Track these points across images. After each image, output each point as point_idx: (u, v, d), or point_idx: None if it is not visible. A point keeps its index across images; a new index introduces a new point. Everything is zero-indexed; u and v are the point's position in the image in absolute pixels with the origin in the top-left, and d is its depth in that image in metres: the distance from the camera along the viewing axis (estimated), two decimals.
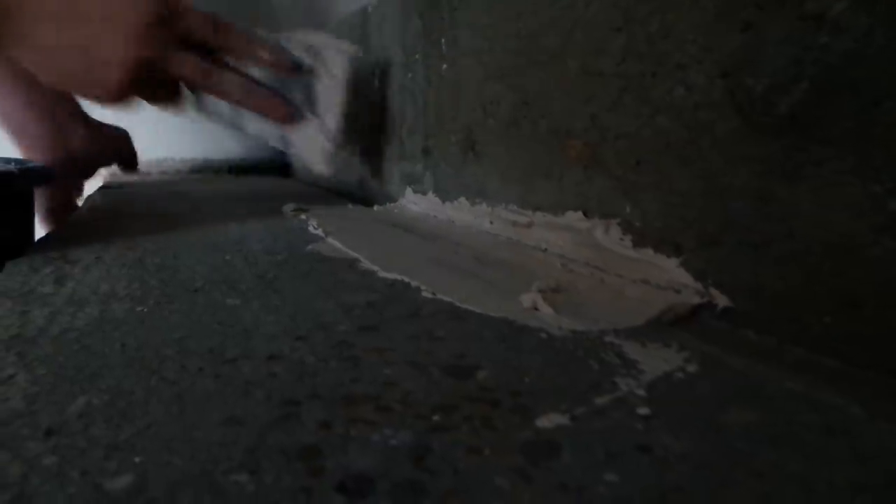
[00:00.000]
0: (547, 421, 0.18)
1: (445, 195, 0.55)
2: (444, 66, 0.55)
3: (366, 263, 0.37)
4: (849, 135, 0.23)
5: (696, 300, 0.28)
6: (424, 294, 0.30)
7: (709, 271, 0.29)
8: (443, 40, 0.55)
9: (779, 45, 0.25)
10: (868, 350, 0.23)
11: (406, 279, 0.33)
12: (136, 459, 0.15)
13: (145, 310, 0.28)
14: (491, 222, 0.47)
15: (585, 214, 0.38)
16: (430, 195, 0.58)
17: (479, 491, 0.14)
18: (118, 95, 0.42)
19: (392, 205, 0.63)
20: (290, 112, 0.52)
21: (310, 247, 0.42)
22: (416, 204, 0.60)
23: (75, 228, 0.49)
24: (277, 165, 1.13)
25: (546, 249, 0.40)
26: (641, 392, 0.19)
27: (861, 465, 0.16)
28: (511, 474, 0.15)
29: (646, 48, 0.32)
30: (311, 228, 0.49)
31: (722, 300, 0.28)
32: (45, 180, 0.45)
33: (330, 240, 0.44)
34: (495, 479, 0.15)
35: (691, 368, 0.21)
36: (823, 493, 0.14)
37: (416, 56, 0.60)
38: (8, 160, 0.50)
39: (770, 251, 0.26)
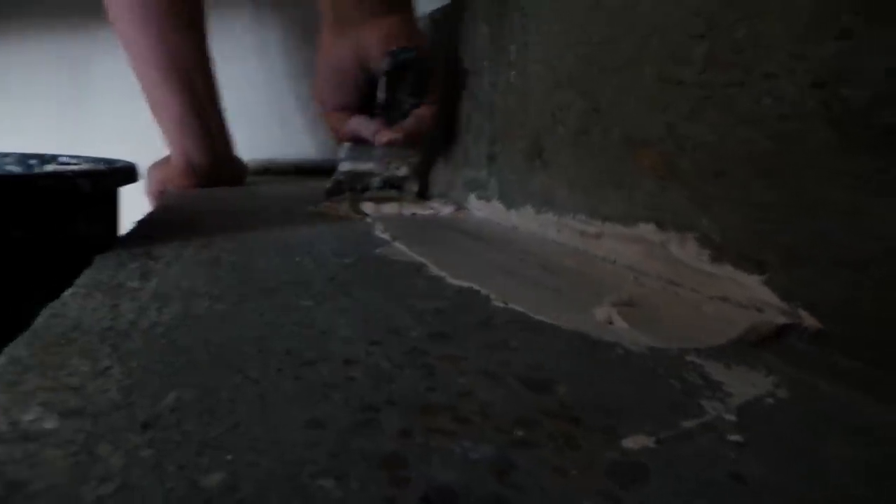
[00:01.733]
0: (632, 443, 0.17)
1: (510, 202, 0.55)
2: (513, 72, 0.55)
3: (433, 269, 0.37)
4: None
5: (782, 320, 0.27)
6: (495, 303, 0.30)
7: (797, 291, 0.28)
8: (512, 47, 0.55)
9: (879, 53, 0.24)
10: None
11: (475, 286, 0.33)
12: (227, 457, 0.16)
13: (225, 308, 0.28)
14: (557, 231, 0.46)
15: (659, 226, 0.37)
16: (495, 202, 0.57)
17: None
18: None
19: (452, 210, 0.64)
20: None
21: (377, 250, 0.42)
22: (479, 210, 0.60)
23: (155, 226, 0.51)
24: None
25: (615, 261, 0.40)
26: (731, 417, 0.19)
27: None
28: (599, 498, 0.14)
29: (731, 56, 0.31)
30: (377, 232, 0.50)
31: (811, 322, 0.27)
32: (131, 180, 0.47)
33: (396, 244, 0.45)
34: (583, 502, 0.14)
35: (782, 394, 0.20)
36: None
37: (484, 63, 0.60)
38: (98, 160, 0.53)
39: (868, 272, 0.25)
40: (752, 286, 0.30)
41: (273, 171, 1.14)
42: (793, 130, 0.28)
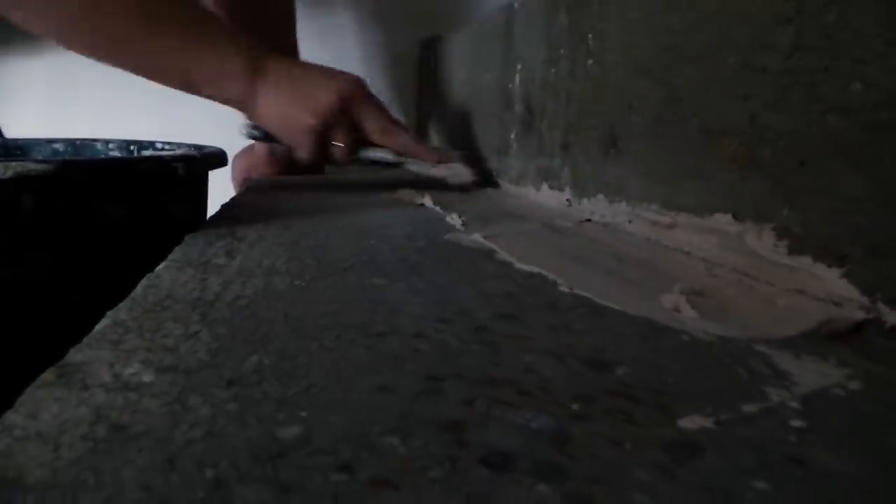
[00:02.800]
0: (690, 422, 0.17)
1: (583, 191, 0.54)
2: (590, 61, 0.54)
3: (502, 254, 0.38)
4: None
5: (860, 315, 0.26)
6: (562, 288, 0.31)
7: (880, 285, 0.27)
8: (590, 35, 0.54)
9: None
10: None
11: (543, 272, 0.33)
12: (302, 414, 0.17)
13: (302, 284, 0.30)
14: (630, 221, 0.46)
15: (735, 217, 0.36)
16: (567, 191, 0.57)
17: (619, 480, 0.14)
18: (305, 147, 0.61)
19: (522, 197, 0.64)
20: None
21: (447, 236, 0.43)
22: (550, 199, 0.60)
23: (240, 209, 0.54)
24: None
25: (689, 252, 0.39)
26: (795, 404, 0.18)
27: None
28: (653, 469, 0.15)
29: (819, 41, 0.30)
30: (448, 219, 0.51)
31: (892, 318, 0.26)
32: (220, 164, 0.50)
33: (467, 230, 0.45)
34: (636, 472, 0.15)
35: (853, 385, 0.20)
36: None
37: (561, 51, 0.59)
38: (190, 146, 0.57)
39: None
40: (831, 279, 0.29)
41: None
42: (885, 119, 0.27)
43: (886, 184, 0.27)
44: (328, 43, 0.93)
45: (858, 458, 0.16)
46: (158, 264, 0.33)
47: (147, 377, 0.19)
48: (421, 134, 1.13)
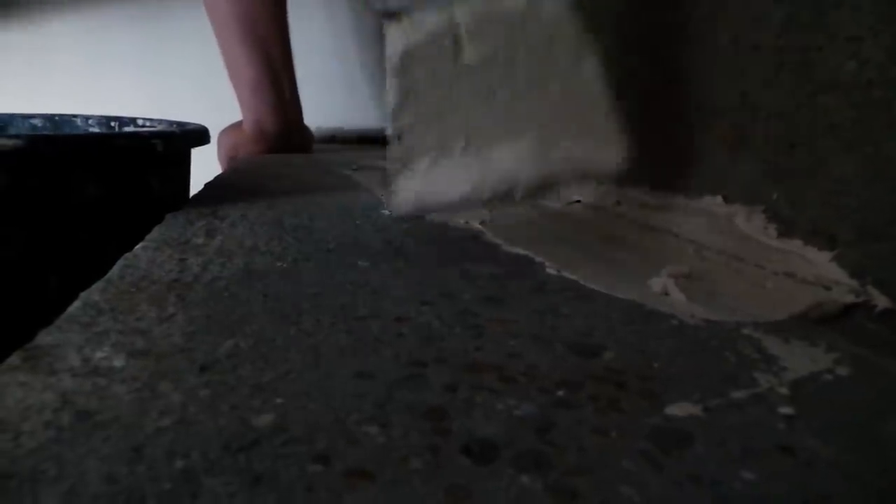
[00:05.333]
0: (678, 409, 0.17)
1: None
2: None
3: (489, 236, 0.37)
4: None
5: (850, 299, 0.26)
6: (549, 270, 0.30)
7: (869, 268, 0.26)
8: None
9: None
10: None
11: (530, 254, 0.33)
12: (278, 401, 0.16)
13: (284, 265, 0.29)
14: (618, 202, 0.45)
15: (725, 199, 0.35)
16: None
17: (604, 471, 0.14)
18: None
19: None
20: None
21: (435, 216, 0.43)
22: None
23: (223, 188, 0.53)
24: None
25: (677, 234, 0.38)
26: (783, 390, 0.18)
27: None
28: (639, 459, 0.14)
29: (812, 18, 0.29)
30: None
31: (882, 301, 0.25)
32: (202, 142, 0.49)
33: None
34: (622, 462, 0.14)
35: (842, 371, 0.20)
36: None
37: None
38: (172, 122, 0.55)
39: None
40: (821, 262, 0.28)
41: (339, 139, 1.16)
42: (878, 98, 0.26)
43: (877, 164, 0.26)
44: (301, 32, 0.91)
45: (846, 446, 0.15)
46: (136, 244, 0.32)
47: (118, 362, 0.18)
48: None
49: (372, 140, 1.16)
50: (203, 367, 0.18)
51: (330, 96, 1.16)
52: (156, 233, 0.35)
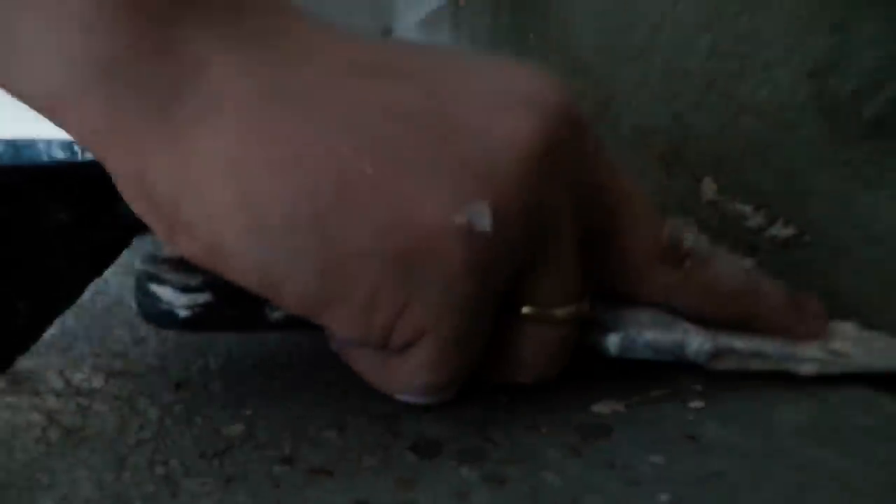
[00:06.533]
0: (603, 407, 0.19)
1: None
2: (533, 60, 0.56)
3: None
4: None
5: None
6: None
7: (786, 272, 0.29)
8: (531, 34, 0.56)
9: (867, 47, 0.25)
10: None
11: None
12: (247, 412, 0.18)
13: None
14: None
15: (664, 211, 0.38)
16: None
17: (532, 460, 0.16)
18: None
19: None
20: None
21: None
22: None
23: None
24: None
25: None
26: (698, 387, 0.20)
27: None
28: (563, 448, 0.17)
29: (731, 47, 0.32)
30: None
31: None
32: None
33: None
34: (548, 452, 0.16)
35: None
36: (858, 489, 0.15)
37: (505, 49, 0.61)
38: None
39: (851, 256, 0.26)
40: (748, 266, 0.31)
41: None
42: (789, 120, 0.29)
43: (789, 180, 0.29)
44: None
45: (744, 432, 0.18)
46: (106, 269, 0.34)
47: (97, 382, 0.20)
48: None
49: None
50: (178, 384, 0.20)
51: None
52: (124, 257, 0.37)
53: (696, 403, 0.19)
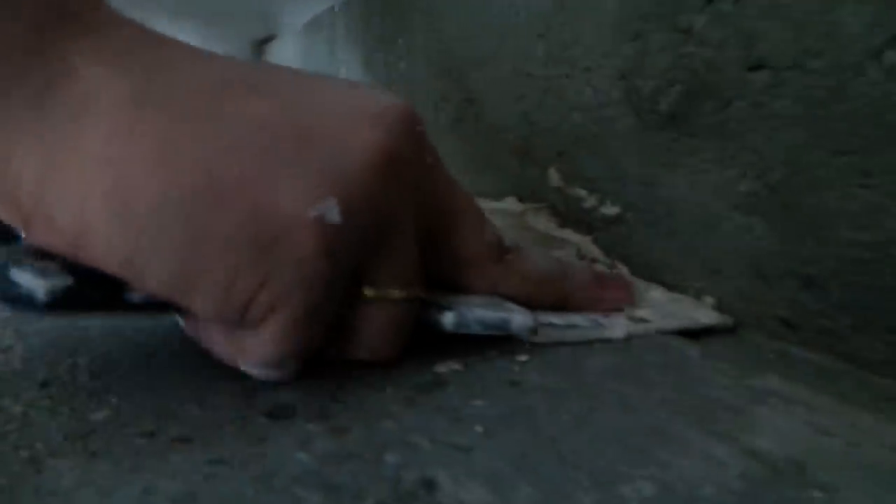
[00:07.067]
0: (444, 367, 0.22)
1: None
2: (402, 63, 0.59)
3: None
4: (711, 130, 0.28)
5: (604, 269, 0.33)
6: None
7: (614, 245, 0.34)
8: (400, 40, 0.59)
9: (659, 53, 0.30)
10: (726, 309, 0.28)
11: None
12: (113, 400, 0.20)
13: None
14: None
15: (520, 200, 0.42)
16: None
17: (374, 413, 0.19)
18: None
19: None
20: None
21: None
22: None
23: None
24: None
25: None
26: (527, 346, 0.24)
27: (677, 391, 0.20)
28: (402, 402, 0.19)
29: (560, 52, 0.37)
30: None
31: (624, 270, 0.33)
32: None
33: None
34: (389, 407, 0.19)
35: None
36: (635, 407, 0.19)
37: (377, 54, 0.64)
38: None
39: (658, 228, 0.31)
40: (586, 245, 0.36)
41: None
42: (607, 115, 0.34)
43: (611, 167, 0.34)
44: None
45: (560, 377, 0.21)
46: None
47: None
48: None
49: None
50: (43, 383, 0.21)
51: None
52: None
53: (523, 357, 0.23)
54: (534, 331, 0.23)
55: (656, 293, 0.30)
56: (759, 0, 0.25)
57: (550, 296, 0.25)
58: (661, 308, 0.28)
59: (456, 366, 0.22)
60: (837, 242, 0.23)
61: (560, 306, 0.26)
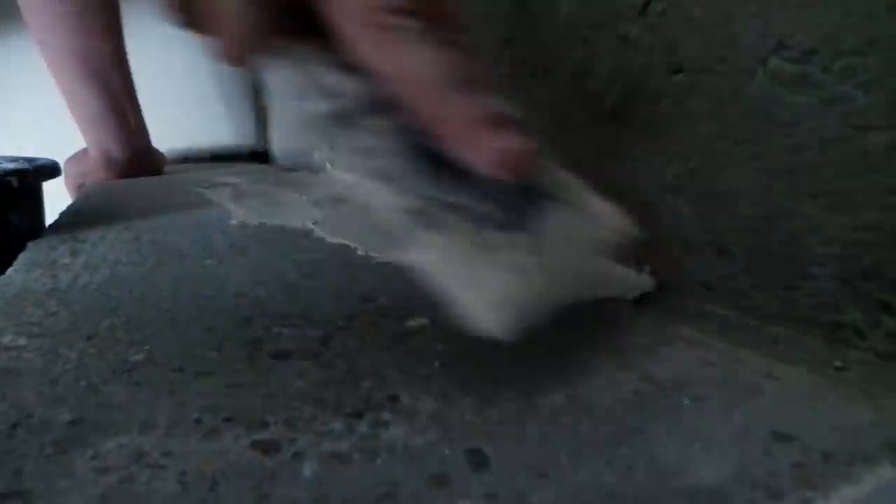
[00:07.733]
0: (413, 322, 0.27)
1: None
2: None
3: (318, 232, 0.46)
4: (645, 124, 0.32)
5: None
6: (358, 252, 0.40)
7: None
8: None
9: (603, 56, 0.35)
10: (660, 277, 0.33)
11: (348, 242, 0.42)
12: (146, 347, 0.25)
13: (144, 270, 0.37)
14: None
15: None
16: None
17: (355, 353, 0.24)
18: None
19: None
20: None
21: (274, 220, 0.51)
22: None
23: (78, 215, 0.57)
24: (260, 153, 1.21)
25: None
26: None
27: (604, 335, 0.25)
28: (380, 347, 0.24)
29: (527, 54, 0.41)
30: None
31: None
32: (53, 175, 0.54)
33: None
34: (367, 349, 0.24)
35: None
36: (565, 347, 0.24)
37: None
38: (15, 159, 0.59)
39: None
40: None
41: (191, 159, 1.19)
42: (564, 110, 0.39)
43: (567, 156, 0.38)
44: (152, 56, 0.94)
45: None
46: (6, 270, 0.38)
47: (22, 341, 0.26)
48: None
49: (226, 158, 1.20)
50: (89, 336, 0.26)
51: (184, 116, 1.18)
52: (22, 259, 0.41)
53: None
54: None
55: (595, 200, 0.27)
56: (679, 12, 0.30)
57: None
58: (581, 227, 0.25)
59: (423, 321, 0.27)
60: (740, 216, 0.28)
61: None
